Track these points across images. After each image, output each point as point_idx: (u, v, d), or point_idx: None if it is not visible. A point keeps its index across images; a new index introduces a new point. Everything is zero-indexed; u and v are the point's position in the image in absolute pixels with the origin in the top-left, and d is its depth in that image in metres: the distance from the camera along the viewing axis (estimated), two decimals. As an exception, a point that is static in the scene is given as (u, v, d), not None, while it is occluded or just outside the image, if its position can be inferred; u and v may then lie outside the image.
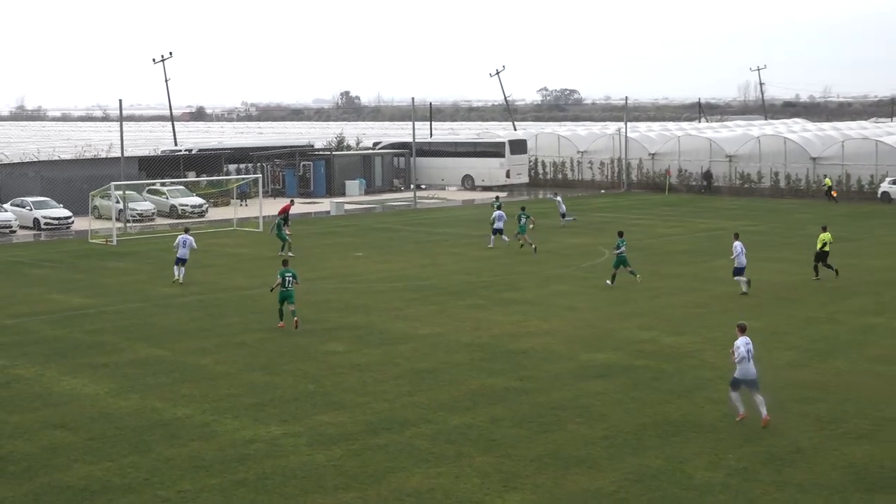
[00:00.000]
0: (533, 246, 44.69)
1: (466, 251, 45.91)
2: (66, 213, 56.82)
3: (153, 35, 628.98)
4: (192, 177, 68.80)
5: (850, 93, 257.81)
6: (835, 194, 66.87)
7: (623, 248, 36.48)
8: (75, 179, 62.08)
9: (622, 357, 26.52)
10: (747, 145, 74.13)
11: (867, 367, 25.49)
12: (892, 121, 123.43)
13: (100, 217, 57.69)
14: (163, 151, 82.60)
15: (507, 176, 77.62)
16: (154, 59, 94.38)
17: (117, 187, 54.21)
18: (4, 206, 56.46)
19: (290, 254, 43.01)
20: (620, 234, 37.36)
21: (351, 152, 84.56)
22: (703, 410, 21.71)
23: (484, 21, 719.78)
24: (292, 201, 55.79)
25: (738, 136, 78.32)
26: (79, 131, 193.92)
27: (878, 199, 66.41)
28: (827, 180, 67.82)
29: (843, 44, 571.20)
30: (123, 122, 60.84)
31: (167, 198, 62.38)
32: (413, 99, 73.80)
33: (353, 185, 75.38)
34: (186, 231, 39.66)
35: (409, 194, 72.05)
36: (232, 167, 74.14)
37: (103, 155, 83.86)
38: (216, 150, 79.37)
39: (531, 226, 45.80)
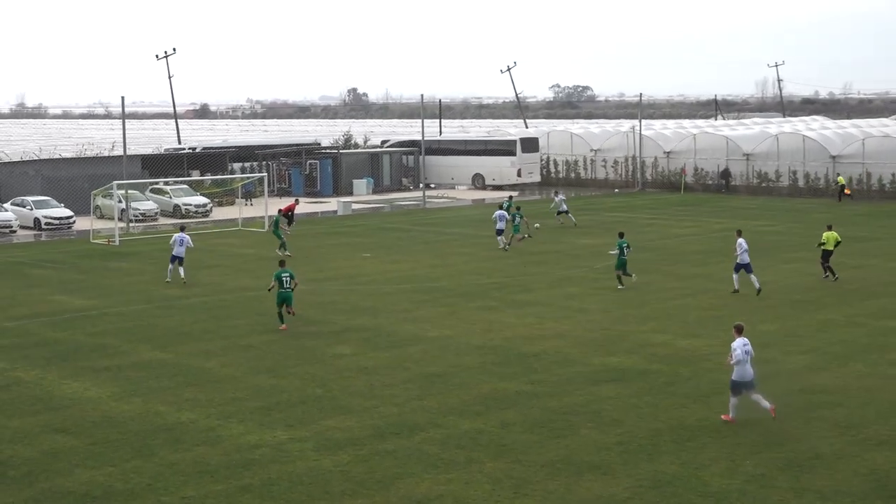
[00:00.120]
0: (509, 244, 45.86)
1: (477, 252, 45.92)
2: (68, 212, 56.96)
3: (156, 30, 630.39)
4: (195, 176, 68.91)
5: (871, 89, 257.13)
6: (848, 192, 66.72)
7: (623, 250, 36.34)
8: (77, 178, 62.22)
9: (636, 360, 26.50)
10: (765, 143, 74.01)
11: (888, 370, 25.42)
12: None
13: (102, 217, 57.80)
14: (166, 150, 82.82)
15: (519, 175, 77.60)
16: (157, 56, 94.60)
17: (120, 186, 54.30)
18: (5, 205, 56.63)
19: (286, 253, 43.06)
20: (621, 235, 37.44)
21: (358, 151, 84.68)
22: (719, 415, 21.66)
23: (495, 16, 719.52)
24: (297, 200, 55.93)
25: (756, 133, 78.18)
26: (80, 129, 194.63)
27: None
28: (840, 178, 67.74)
29: (864, 39, 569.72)
30: (126, 120, 60.94)
31: (170, 197, 62.51)
32: (422, 96, 73.96)
33: (360, 185, 75.47)
34: (182, 229, 39.87)
35: (418, 193, 72.06)
36: (237, 166, 74.25)
37: (105, 153, 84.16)
38: (220, 148, 79.57)
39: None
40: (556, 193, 58.11)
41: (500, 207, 47.72)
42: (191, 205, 62.02)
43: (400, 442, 20.37)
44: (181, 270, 38.45)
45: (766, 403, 20.98)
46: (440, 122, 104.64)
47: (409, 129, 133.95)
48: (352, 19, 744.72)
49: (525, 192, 75.55)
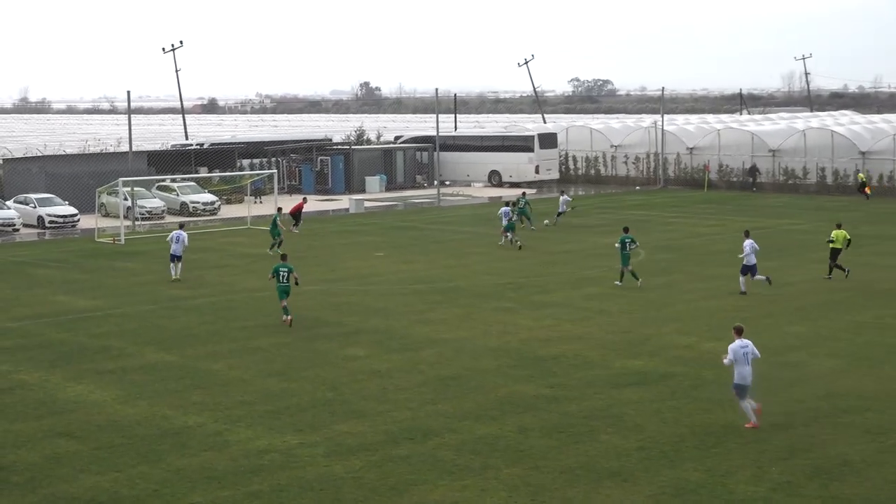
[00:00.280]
0: (505, 242, 46.82)
1: (493, 251, 45.91)
2: (72, 210, 57.12)
3: (163, 23, 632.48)
4: (203, 172, 69.05)
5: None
6: (868, 191, 66.50)
7: (625, 245, 36.44)
8: (81, 175, 62.33)
9: (658, 364, 26.45)
10: (792, 139, 73.76)
11: (920, 374, 25.31)
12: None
13: (107, 215, 57.96)
14: (173, 146, 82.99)
15: (537, 171, 77.52)
16: (164, 49, 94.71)
17: (125, 184, 54.46)
18: (7, 203, 56.84)
19: (278, 251, 42.88)
20: (626, 230, 37.47)
21: (371, 147, 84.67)
22: (744, 420, 21.59)
23: (512, 7, 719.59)
24: (305, 199, 55.92)
25: (783, 129, 77.94)
26: (85, 124, 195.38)
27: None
28: (860, 175, 67.53)
29: (895, 31, 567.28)
30: (132, 115, 61.17)
31: (178, 195, 62.62)
32: (437, 90, 73.83)
33: (373, 182, 75.49)
34: (181, 227, 40.20)
35: (433, 191, 72.08)
36: (245, 162, 74.39)
37: (111, 149, 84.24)
38: (229, 144, 79.56)
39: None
40: (563, 193, 58.10)
41: (507, 204, 48.11)
42: (198, 202, 62.13)
43: (414, 447, 20.36)
44: (178, 267, 38.95)
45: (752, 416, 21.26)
46: (455, 118, 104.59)
47: (423, 125, 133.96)
48: (364, 11, 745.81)
49: (542, 190, 75.49)
